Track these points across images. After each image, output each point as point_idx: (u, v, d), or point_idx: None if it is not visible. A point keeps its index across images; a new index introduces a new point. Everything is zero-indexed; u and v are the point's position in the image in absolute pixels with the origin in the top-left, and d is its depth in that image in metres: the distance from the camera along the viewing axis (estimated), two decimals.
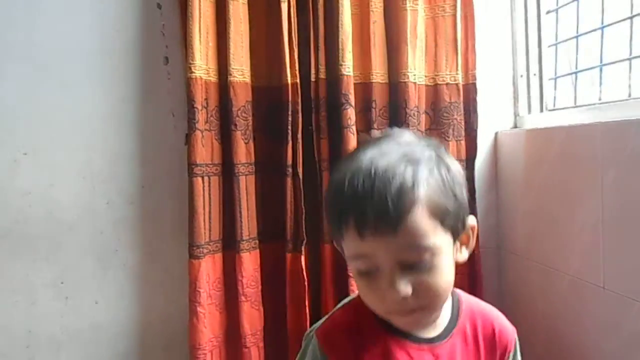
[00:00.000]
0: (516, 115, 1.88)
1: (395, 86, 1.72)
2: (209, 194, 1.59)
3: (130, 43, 1.66)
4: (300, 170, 1.62)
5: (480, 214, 1.80)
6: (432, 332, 0.78)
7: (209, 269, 1.59)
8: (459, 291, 0.85)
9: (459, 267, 1.75)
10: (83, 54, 1.64)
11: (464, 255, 0.76)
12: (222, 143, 1.62)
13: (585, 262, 1.40)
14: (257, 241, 1.64)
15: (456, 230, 0.71)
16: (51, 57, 1.62)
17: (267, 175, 1.68)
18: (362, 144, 0.76)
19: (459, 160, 1.77)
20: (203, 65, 1.57)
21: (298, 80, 1.62)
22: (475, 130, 1.79)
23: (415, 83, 1.72)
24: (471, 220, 0.75)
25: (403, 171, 0.66)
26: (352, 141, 1.63)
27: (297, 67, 1.62)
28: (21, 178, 1.61)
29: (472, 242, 0.76)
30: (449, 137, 1.76)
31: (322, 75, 1.66)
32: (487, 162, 1.87)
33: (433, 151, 0.72)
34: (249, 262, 1.62)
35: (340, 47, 1.62)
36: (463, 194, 0.72)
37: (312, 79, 1.65)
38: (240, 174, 1.60)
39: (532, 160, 1.67)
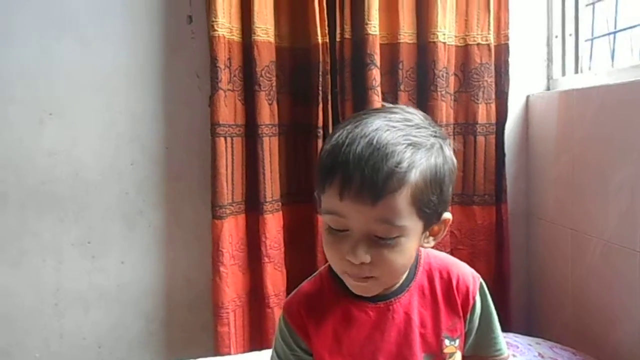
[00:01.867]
0: (549, 77, 1.81)
1: (424, 46, 1.67)
2: (232, 155, 1.58)
3: (152, 0, 1.64)
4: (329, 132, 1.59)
5: (509, 179, 1.75)
6: (387, 290, 0.79)
7: (231, 229, 1.58)
8: (422, 249, 0.85)
9: (486, 233, 1.72)
10: (105, 12, 1.63)
11: (430, 243, 0.77)
12: (246, 104, 1.60)
13: (620, 226, 1.35)
14: (280, 203, 1.63)
15: (430, 221, 0.73)
16: (72, 15, 1.61)
17: (292, 137, 1.66)
18: (374, 110, 0.77)
19: (488, 124, 1.73)
20: (226, 24, 1.54)
21: (327, 40, 1.58)
22: (507, 93, 1.73)
23: (444, 43, 1.66)
24: (446, 215, 0.76)
25: (402, 151, 0.67)
26: (376, 103, 1.59)
27: (326, 27, 1.58)
28: (46, 138, 1.62)
29: (442, 235, 0.78)
30: (478, 100, 1.71)
31: (347, 35, 1.62)
32: (517, 126, 1.81)
33: (437, 141, 0.72)
34: (273, 224, 1.61)
35: (366, 5, 1.58)
36: (449, 190, 0.73)
37: (337, 39, 1.61)
38: (264, 135, 1.58)
39: (566, 124, 1.61)
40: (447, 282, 0.81)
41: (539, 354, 1.35)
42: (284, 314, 0.82)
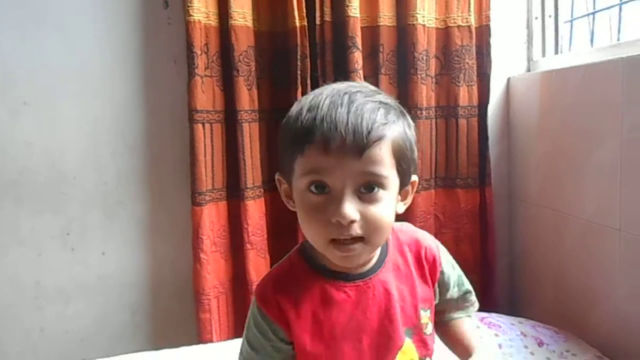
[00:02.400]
0: (530, 59, 1.81)
1: (404, 29, 1.65)
2: (212, 141, 1.56)
3: None
4: None
5: (492, 162, 1.75)
6: (364, 268, 0.79)
7: (212, 216, 1.57)
8: None
9: (470, 216, 1.72)
10: (81, 0, 1.59)
11: (401, 208, 0.78)
12: (225, 90, 1.58)
13: (601, 205, 1.36)
14: (262, 189, 1.62)
15: (404, 180, 0.75)
16: (49, 3, 1.58)
17: (272, 122, 1.65)
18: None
19: (470, 106, 1.72)
20: (202, 8, 1.52)
21: (305, 24, 1.56)
22: (489, 75, 1.72)
23: (424, 25, 1.65)
24: (414, 177, 0.78)
25: (377, 108, 0.70)
26: None
27: (304, 10, 1.56)
28: (23, 128, 1.59)
29: (409, 199, 0.80)
30: (459, 83, 1.71)
31: (328, 18, 1.60)
32: (499, 108, 1.81)
33: (400, 108, 0.76)
34: (255, 210, 1.60)
35: None
36: (415, 152, 0.76)
37: (317, 22, 1.59)
38: (244, 120, 1.56)
39: (546, 105, 1.61)
40: (417, 254, 0.82)
41: (522, 332, 1.36)
42: (259, 304, 0.78)
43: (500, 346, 1.30)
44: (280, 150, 0.76)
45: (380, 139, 0.68)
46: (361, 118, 0.68)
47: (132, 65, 1.64)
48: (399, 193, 0.76)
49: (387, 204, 0.71)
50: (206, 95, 1.54)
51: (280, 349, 0.78)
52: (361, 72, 1.60)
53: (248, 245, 1.59)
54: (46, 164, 1.61)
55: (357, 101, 0.69)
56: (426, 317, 0.81)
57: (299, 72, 1.56)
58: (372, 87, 0.76)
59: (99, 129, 1.64)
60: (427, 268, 0.82)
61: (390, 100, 0.74)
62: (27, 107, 1.59)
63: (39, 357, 1.61)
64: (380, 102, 0.71)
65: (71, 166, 1.63)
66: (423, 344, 0.80)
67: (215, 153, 1.57)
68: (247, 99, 1.56)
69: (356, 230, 0.69)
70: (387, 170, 0.70)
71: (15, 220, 1.61)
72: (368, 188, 0.69)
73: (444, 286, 0.85)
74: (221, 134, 1.58)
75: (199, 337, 1.56)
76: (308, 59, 1.58)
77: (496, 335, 1.34)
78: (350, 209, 0.68)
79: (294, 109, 0.74)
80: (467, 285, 0.89)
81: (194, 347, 1.44)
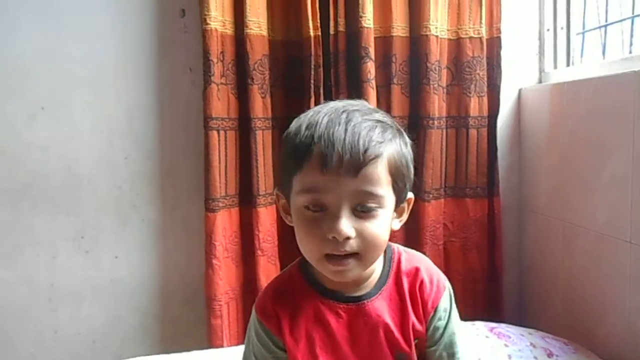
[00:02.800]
0: (541, 71, 1.82)
1: (417, 40, 1.67)
2: (225, 148, 1.58)
3: None
4: None
5: (501, 173, 1.76)
6: (361, 291, 0.80)
7: (225, 222, 1.59)
8: (395, 246, 0.85)
9: (479, 226, 1.74)
10: (98, 7, 1.62)
11: (397, 225, 0.79)
12: (239, 97, 1.60)
13: (611, 217, 1.36)
14: (274, 197, 1.64)
15: (400, 197, 0.76)
16: (67, 9, 1.60)
17: (285, 130, 1.66)
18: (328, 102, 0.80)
19: (480, 117, 1.73)
20: (219, 17, 1.54)
21: (320, 34, 1.58)
22: (499, 86, 1.74)
23: (437, 36, 1.67)
24: (410, 195, 0.79)
25: (373, 127, 0.71)
26: (372, 95, 1.60)
27: (318, 20, 1.58)
28: (38, 132, 1.62)
29: (405, 216, 0.80)
30: (470, 93, 1.72)
31: (342, 28, 1.61)
32: (509, 119, 1.82)
33: (396, 126, 0.77)
34: (266, 217, 1.61)
35: None
36: (412, 169, 0.77)
37: (331, 32, 1.61)
38: (257, 128, 1.58)
39: (557, 116, 1.62)
40: (412, 285, 0.81)
41: (531, 343, 1.36)
42: (258, 316, 0.80)
43: (509, 357, 1.31)
44: (280, 165, 0.78)
45: (376, 157, 0.70)
46: (358, 136, 0.69)
47: (148, 71, 1.67)
48: (395, 210, 0.77)
49: (383, 221, 0.72)
50: (221, 103, 1.56)
51: (283, 358, 0.80)
52: (374, 82, 1.61)
53: (259, 252, 1.60)
54: (61, 168, 1.64)
55: (354, 120, 0.70)
56: (415, 345, 0.80)
57: (312, 81, 1.58)
58: (370, 106, 0.78)
59: (113, 134, 1.66)
60: (421, 301, 0.80)
61: (387, 119, 0.76)
62: (44, 111, 1.62)
63: (52, 358, 1.63)
64: (378, 121, 0.73)
65: (86, 170, 1.65)
66: None
67: (228, 160, 1.59)
68: (260, 106, 1.58)
69: (352, 246, 0.71)
70: (383, 189, 0.71)
71: (31, 222, 1.63)
72: (364, 207, 0.71)
73: (432, 328, 0.81)
74: (235, 141, 1.60)
75: (210, 342, 1.57)
76: (321, 69, 1.59)
77: (505, 345, 1.35)
78: (346, 226, 0.69)
79: (294, 125, 0.76)
80: (457, 349, 0.82)
81: (205, 351, 1.45)
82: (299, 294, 0.80)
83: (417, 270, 0.81)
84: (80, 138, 1.64)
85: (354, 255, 0.72)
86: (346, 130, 0.69)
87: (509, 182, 1.81)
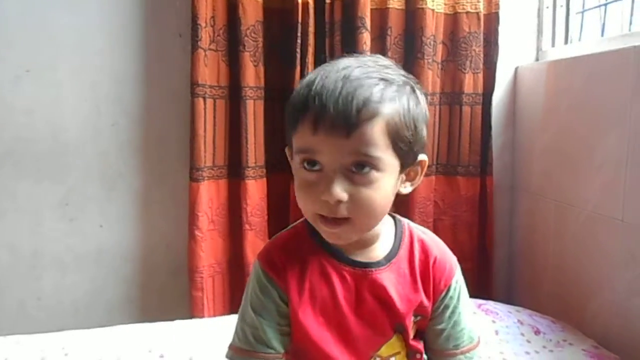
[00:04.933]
0: (539, 49, 1.79)
1: (412, 13, 1.64)
2: (214, 117, 1.55)
3: None
4: None
5: (495, 152, 1.74)
6: (370, 258, 0.77)
7: (211, 193, 1.56)
8: (406, 221, 0.83)
9: (470, 204, 1.72)
10: None
11: (407, 189, 0.76)
12: (230, 65, 1.56)
13: (605, 196, 1.35)
14: (264, 170, 1.61)
15: (406, 160, 0.72)
16: None
17: (279, 102, 1.63)
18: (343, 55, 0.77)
19: (475, 94, 1.71)
20: None
21: (312, 1, 1.54)
22: (495, 63, 1.71)
23: (433, 10, 1.64)
24: (422, 157, 0.75)
25: (374, 84, 0.68)
26: None
27: None
28: (24, 96, 1.57)
29: (418, 180, 0.77)
30: (465, 70, 1.69)
31: None
32: (505, 97, 1.79)
33: (409, 83, 0.73)
34: (255, 190, 1.58)
35: None
36: (423, 130, 0.73)
37: (327, 1, 1.57)
38: (248, 97, 1.55)
39: (554, 95, 1.60)
40: (425, 263, 0.79)
41: (518, 320, 1.35)
42: (264, 268, 0.77)
43: (496, 332, 1.30)
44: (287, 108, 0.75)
45: (371, 117, 0.66)
46: (352, 96, 0.65)
47: (137, 36, 1.62)
48: (404, 173, 0.73)
49: (381, 186, 0.69)
50: (210, 70, 1.52)
51: (286, 314, 0.77)
52: (369, 54, 1.58)
53: (247, 226, 1.58)
54: (47, 133, 1.60)
55: (352, 77, 0.67)
56: (414, 321, 0.79)
57: (298, 49, 1.54)
58: (383, 62, 0.73)
59: (100, 100, 1.62)
60: (432, 280, 0.78)
61: (397, 76, 0.71)
62: (28, 75, 1.57)
63: (33, 326, 1.59)
64: (381, 79, 0.69)
65: (72, 136, 1.61)
66: (407, 343, 0.79)
67: (217, 129, 1.55)
68: (252, 75, 1.55)
69: (342, 211, 0.68)
70: (380, 151, 0.67)
71: (14, 188, 1.60)
72: (358, 167, 0.67)
73: (440, 308, 0.79)
74: (224, 111, 1.57)
75: (191, 314, 1.55)
76: (311, 37, 1.55)
77: (493, 322, 1.34)
78: (338, 189, 0.67)
79: (305, 77, 0.73)
80: (468, 335, 0.81)
81: (189, 321, 1.43)
82: (305, 249, 0.78)
83: (430, 247, 0.80)
84: (66, 103, 1.60)
85: (346, 219, 0.70)
86: (341, 88, 0.66)
87: (502, 160, 1.79)
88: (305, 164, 0.69)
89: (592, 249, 1.40)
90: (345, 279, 0.76)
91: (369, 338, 0.77)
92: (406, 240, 0.79)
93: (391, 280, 0.77)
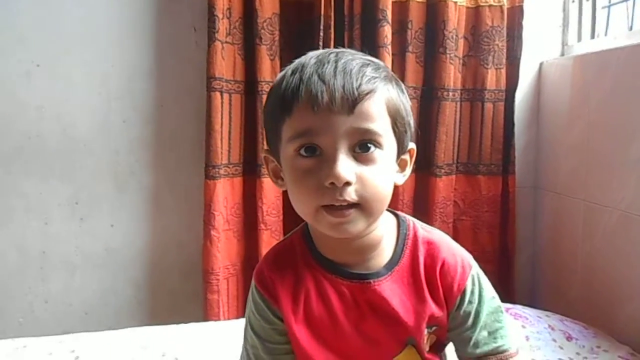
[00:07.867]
0: (564, 44, 1.73)
1: (434, 6, 1.59)
2: (230, 113, 1.50)
3: None
4: None
5: (518, 150, 1.68)
6: (368, 269, 0.71)
7: (227, 192, 1.51)
8: (410, 220, 0.76)
9: (491, 204, 1.66)
10: None
11: (400, 180, 0.71)
12: (246, 59, 1.51)
13: (639, 195, 1.28)
14: None
15: (402, 144, 0.69)
16: None
17: None
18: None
19: (498, 90, 1.65)
20: None
21: None
22: (518, 59, 1.65)
23: (455, 3, 1.58)
24: (412, 145, 0.72)
25: (366, 64, 0.66)
26: (387, 62, 1.51)
27: None
28: (33, 90, 1.53)
29: (408, 170, 0.73)
30: (487, 65, 1.63)
31: None
32: (528, 94, 1.73)
33: (390, 72, 0.71)
34: (271, 189, 1.53)
35: None
36: (411, 117, 0.71)
37: None
38: (264, 92, 1.50)
39: (581, 90, 1.54)
40: (431, 268, 0.71)
41: (549, 325, 1.29)
42: (257, 286, 0.73)
43: (527, 338, 1.24)
44: (264, 124, 0.71)
45: (372, 91, 0.64)
46: (349, 73, 0.63)
47: (149, 30, 1.58)
48: (397, 162, 0.70)
49: (385, 166, 0.65)
50: (226, 63, 1.47)
51: (286, 332, 0.72)
52: (390, 47, 1.53)
53: (262, 226, 1.52)
54: (56, 129, 1.55)
55: (344, 58, 0.65)
56: (428, 332, 0.72)
57: (320, 43, 1.49)
58: (362, 54, 0.71)
59: (111, 96, 1.58)
60: (441, 286, 0.71)
61: (382, 64, 0.70)
62: (39, 69, 1.53)
63: (41, 328, 1.55)
64: (370, 61, 0.67)
65: (82, 132, 1.57)
66: (422, 355, 0.73)
67: (233, 125, 1.50)
68: (269, 69, 1.50)
69: (351, 194, 0.63)
70: (382, 127, 0.65)
71: (23, 186, 1.55)
72: (363, 147, 0.64)
73: (460, 319, 0.72)
74: (240, 106, 1.52)
75: (205, 317, 1.50)
76: (332, 30, 1.50)
77: (523, 326, 1.27)
78: (345, 168, 0.62)
79: (278, 77, 0.69)
80: (501, 340, 0.72)
81: (202, 324, 1.38)
82: (300, 264, 0.72)
83: (437, 249, 0.72)
84: (77, 99, 1.56)
85: (355, 205, 0.64)
86: (336, 67, 0.63)
87: (524, 159, 1.73)
88: (303, 151, 0.64)
89: (625, 250, 1.34)
90: (343, 294, 0.70)
91: (375, 355, 0.71)
92: (410, 243, 0.72)
93: (394, 291, 0.70)
